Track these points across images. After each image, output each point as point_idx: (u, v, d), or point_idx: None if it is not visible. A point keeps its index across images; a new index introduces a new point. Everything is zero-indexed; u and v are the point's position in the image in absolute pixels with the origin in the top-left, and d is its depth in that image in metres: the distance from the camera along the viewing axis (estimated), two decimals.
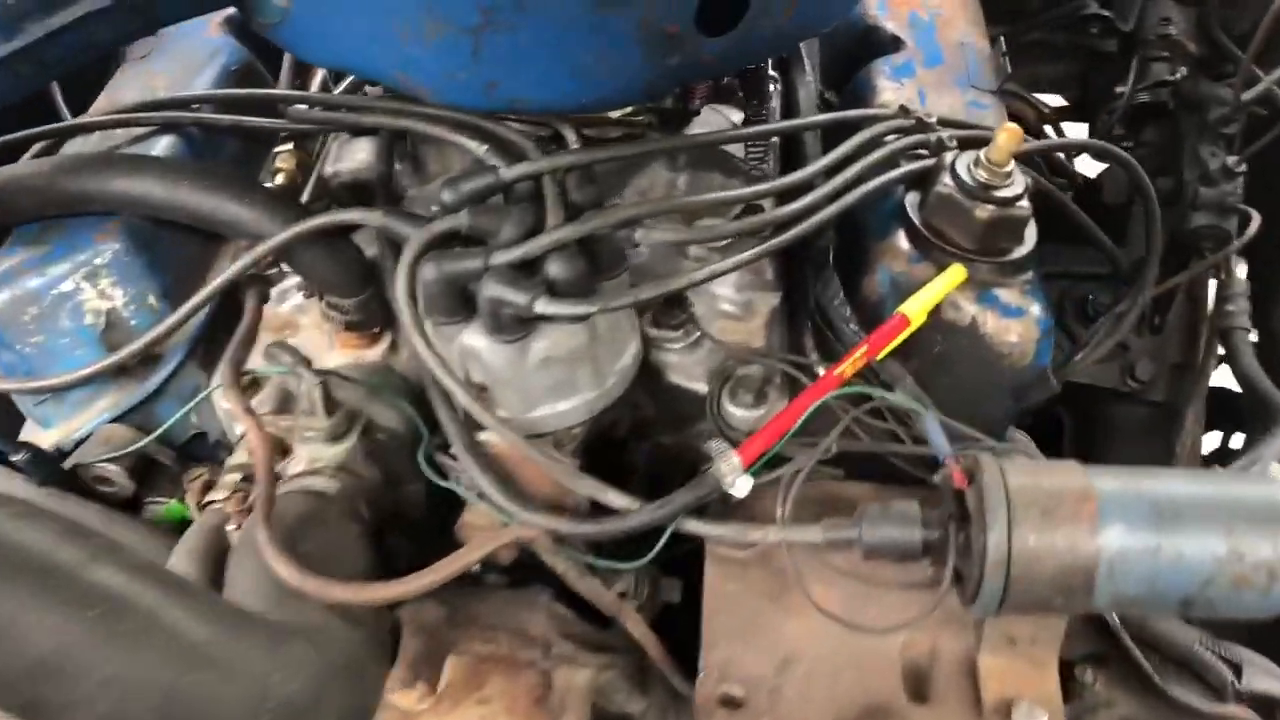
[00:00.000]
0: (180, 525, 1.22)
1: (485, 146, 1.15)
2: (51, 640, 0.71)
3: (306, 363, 1.08)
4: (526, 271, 1.06)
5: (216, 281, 1.17)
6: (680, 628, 1.24)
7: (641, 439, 1.34)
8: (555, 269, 1.05)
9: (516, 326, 1.06)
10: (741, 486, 1.03)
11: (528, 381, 1.10)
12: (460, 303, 1.07)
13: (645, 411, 1.30)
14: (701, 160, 1.35)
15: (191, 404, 1.21)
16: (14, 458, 1.17)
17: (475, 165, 1.15)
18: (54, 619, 0.71)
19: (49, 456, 1.20)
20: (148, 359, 1.24)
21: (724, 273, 1.15)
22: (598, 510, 1.07)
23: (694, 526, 1.04)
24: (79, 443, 1.25)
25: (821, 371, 1.24)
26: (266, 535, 0.96)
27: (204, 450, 1.29)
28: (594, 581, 1.08)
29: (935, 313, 1.17)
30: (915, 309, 1.14)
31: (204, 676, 0.77)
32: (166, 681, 0.75)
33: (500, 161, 1.12)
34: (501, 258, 1.04)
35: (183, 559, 1.09)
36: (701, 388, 1.26)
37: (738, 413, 1.22)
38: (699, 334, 1.28)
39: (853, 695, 1.06)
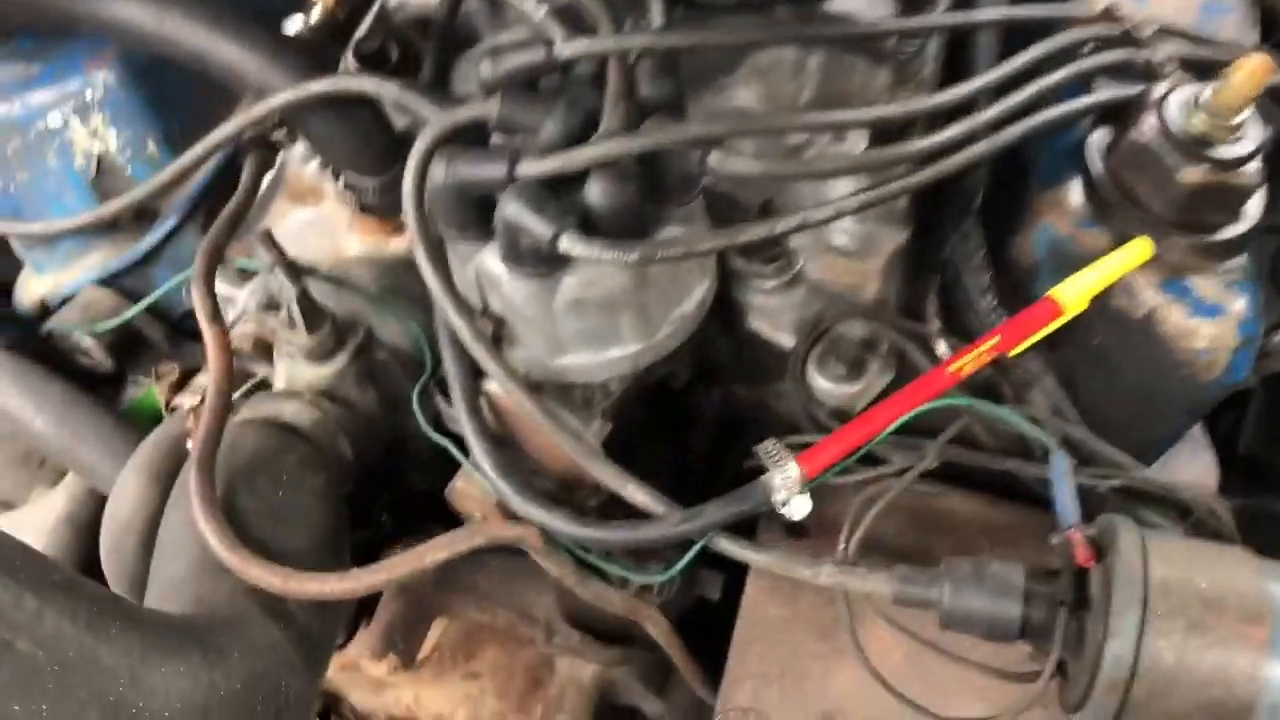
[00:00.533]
0: (154, 418, 1.06)
1: (545, 6, 0.88)
2: None
3: (288, 265, 0.87)
4: (561, 190, 0.81)
5: (218, 132, 0.96)
6: (718, 626, 1.04)
7: (711, 384, 1.10)
8: (596, 194, 0.80)
9: (539, 261, 0.82)
10: (798, 508, 0.80)
11: (555, 324, 0.87)
12: (478, 216, 0.84)
13: (718, 355, 1.06)
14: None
15: (183, 275, 1.02)
16: None
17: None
18: None
19: (15, 317, 1.04)
20: (143, 215, 1.06)
21: (841, 215, 0.87)
22: (615, 503, 0.85)
23: (729, 548, 0.81)
24: (65, 299, 1.09)
25: (943, 349, 0.98)
26: (198, 483, 0.78)
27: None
28: (599, 586, 0.87)
29: (1102, 295, 0.88)
30: (1074, 294, 0.86)
31: (34, 709, 0.60)
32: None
33: (559, 32, 0.86)
34: (530, 169, 0.80)
35: (135, 473, 0.93)
36: (787, 340, 1.01)
37: (825, 385, 0.97)
38: (794, 272, 1.02)
39: None
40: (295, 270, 0.87)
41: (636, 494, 0.83)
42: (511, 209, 0.79)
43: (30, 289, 1.12)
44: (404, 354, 0.97)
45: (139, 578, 0.86)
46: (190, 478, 0.78)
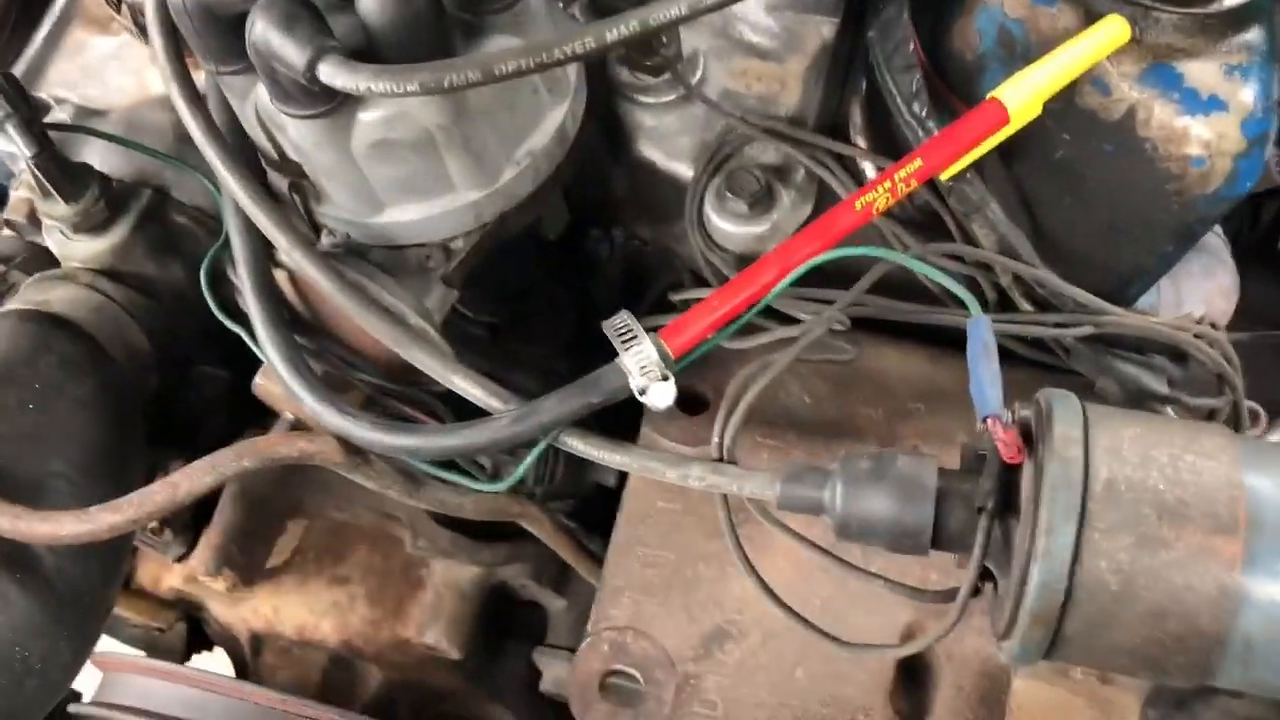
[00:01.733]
0: None
1: None
2: None
3: (23, 117, 0.69)
4: (329, 3, 0.62)
5: None
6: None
7: (608, 224, 0.92)
8: (370, 2, 0.61)
9: (311, 97, 0.64)
10: (659, 396, 0.63)
11: (359, 173, 0.69)
12: (240, 42, 0.65)
13: (613, 189, 0.88)
14: None
15: None
16: None
17: None
18: None
19: None
20: None
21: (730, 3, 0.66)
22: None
23: (578, 446, 0.65)
24: None
25: (870, 171, 0.78)
26: None
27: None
28: (444, 491, 0.72)
29: (1064, 93, 0.68)
30: (1024, 94, 0.66)
31: None
32: None
33: None
34: None
35: None
36: (684, 170, 0.83)
37: (724, 226, 0.79)
38: (693, 82, 0.82)
39: (809, 703, 0.70)
40: (31, 124, 0.69)
41: (466, 385, 0.66)
42: (258, 30, 0.60)
43: None
44: (209, 216, 0.80)
45: None
46: None
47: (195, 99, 0.67)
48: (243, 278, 0.69)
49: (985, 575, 0.60)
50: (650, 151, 0.83)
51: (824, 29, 0.84)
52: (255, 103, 0.69)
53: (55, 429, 0.68)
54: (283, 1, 0.60)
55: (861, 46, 0.78)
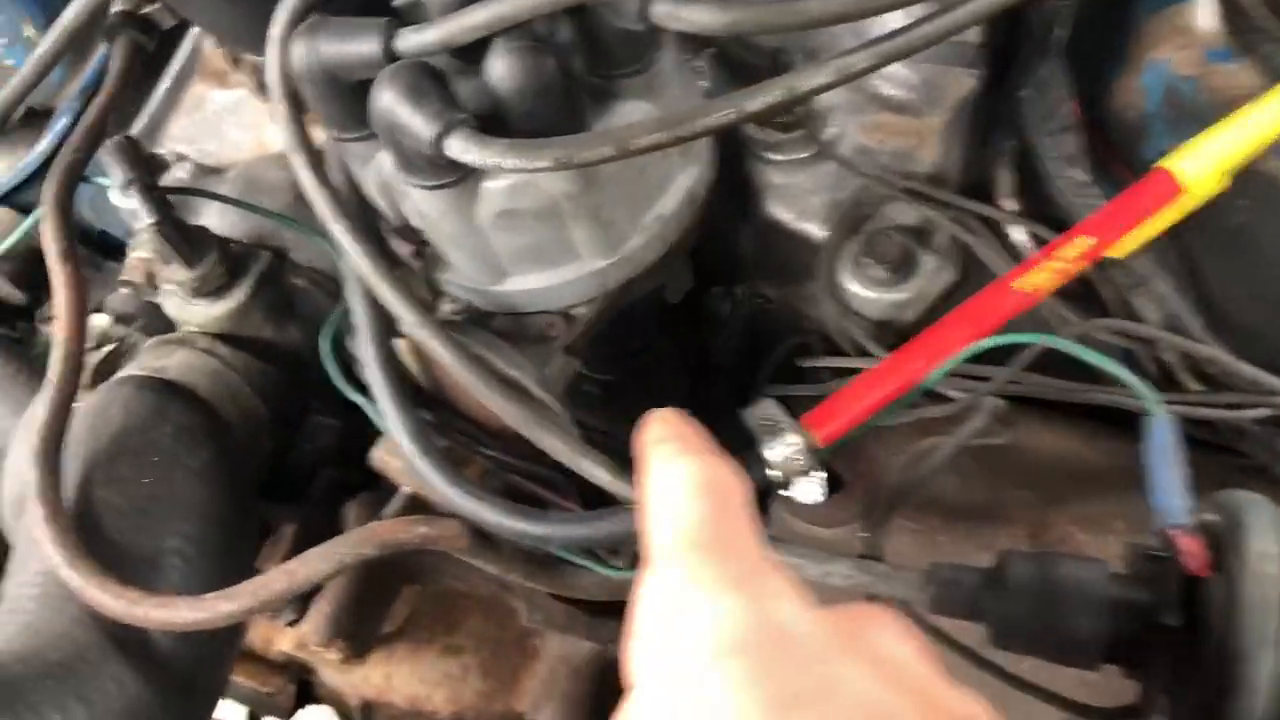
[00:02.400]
0: None
1: None
2: None
3: (143, 183, 0.68)
4: (459, 72, 0.59)
5: (71, 10, 0.77)
6: None
7: (733, 281, 0.88)
8: (499, 71, 0.58)
9: (438, 169, 0.61)
10: (806, 491, 0.59)
11: (485, 241, 0.67)
12: (362, 109, 0.63)
13: (739, 246, 0.84)
14: None
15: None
16: None
17: None
18: None
19: None
20: (34, 117, 0.88)
21: (888, 62, 0.61)
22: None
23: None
24: None
25: (1020, 237, 0.74)
26: (39, 479, 0.61)
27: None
28: (570, 573, 0.69)
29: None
30: (1201, 165, 0.60)
31: None
32: None
33: None
34: (410, 41, 0.58)
35: (22, 443, 0.78)
36: (815, 231, 0.79)
37: (861, 292, 0.75)
38: (824, 141, 0.78)
39: None
40: (153, 189, 0.68)
41: (593, 470, 0.63)
42: (384, 101, 0.58)
43: None
44: (327, 277, 0.78)
45: None
46: (33, 472, 0.62)
47: (317, 165, 0.65)
48: (365, 351, 0.67)
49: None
50: (780, 211, 0.79)
51: (965, 82, 0.79)
52: (378, 169, 0.66)
53: (171, 502, 0.66)
54: (410, 71, 0.57)
55: (1007, 103, 0.73)
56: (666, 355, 0.93)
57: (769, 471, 0.59)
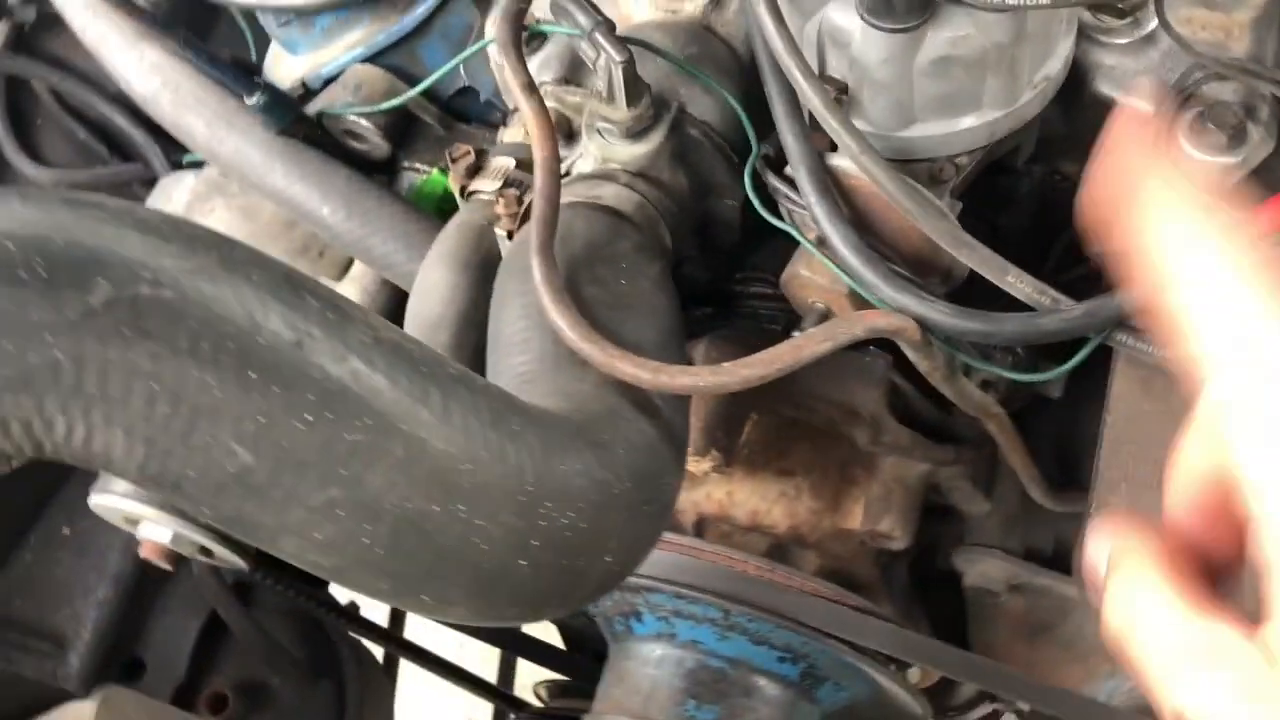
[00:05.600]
0: (441, 202, 1.00)
1: None
2: (254, 451, 0.50)
3: (608, 26, 0.78)
4: None
5: None
6: (1048, 423, 0.97)
7: (1032, 162, 0.99)
8: None
9: (910, 11, 0.71)
10: None
11: (910, 87, 0.77)
12: None
13: (1051, 128, 0.95)
14: None
15: (464, 54, 0.94)
16: (248, 100, 0.94)
17: None
18: (256, 424, 0.50)
19: (288, 100, 0.97)
20: None
21: None
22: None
23: (1130, 343, 0.72)
24: (328, 81, 1.02)
25: None
26: (543, 271, 0.71)
27: (473, 109, 1.04)
28: (963, 382, 0.79)
29: None
30: None
31: (452, 506, 0.55)
32: (403, 510, 0.54)
33: None
34: None
35: (441, 265, 0.87)
36: (1143, 107, 0.89)
37: (1200, 156, 0.85)
38: (1153, 26, 0.88)
39: None
40: (611, 29, 0.78)
41: (1018, 282, 0.74)
42: None
43: (284, 71, 1.05)
44: (715, 130, 0.87)
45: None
46: (534, 264, 0.71)
47: (779, 16, 0.74)
48: (803, 179, 0.77)
49: None
50: (1110, 89, 0.90)
51: None
52: (824, 18, 0.76)
53: (643, 303, 0.76)
54: None
55: None
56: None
57: None
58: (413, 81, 1.00)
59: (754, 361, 0.68)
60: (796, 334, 0.76)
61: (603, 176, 0.83)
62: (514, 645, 1.19)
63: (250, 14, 1.09)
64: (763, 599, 0.85)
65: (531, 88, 0.79)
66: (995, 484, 0.96)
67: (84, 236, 0.48)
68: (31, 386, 0.47)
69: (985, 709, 1.12)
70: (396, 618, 1.62)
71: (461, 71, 0.97)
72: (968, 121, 0.79)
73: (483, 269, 0.86)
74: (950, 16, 0.73)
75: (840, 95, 0.79)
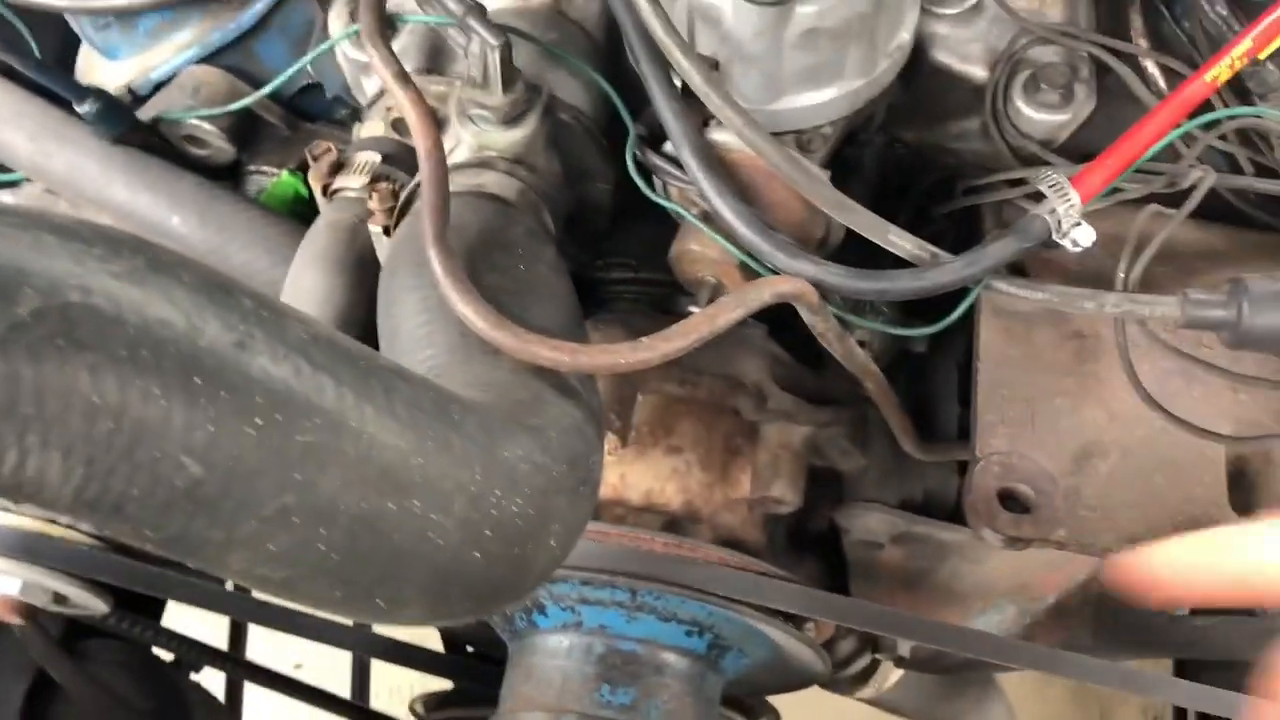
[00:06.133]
0: (293, 204, 0.96)
1: None
2: (204, 462, 0.47)
3: (480, 11, 0.77)
4: None
5: None
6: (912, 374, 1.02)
7: (872, 130, 1.04)
8: None
9: None
10: (1083, 236, 0.75)
11: (780, 60, 0.79)
12: None
13: (890, 97, 0.99)
14: None
15: (316, 51, 0.90)
16: (80, 108, 0.88)
17: None
18: (205, 433, 0.47)
19: (121, 106, 0.91)
20: None
21: None
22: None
23: (1006, 289, 0.77)
24: (158, 86, 0.96)
25: (1152, 69, 0.92)
26: (444, 261, 0.69)
27: (317, 106, 1.00)
28: (850, 342, 0.82)
29: None
30: None
31: (406, 503, 0.53)
32: (358, 511, 0.52)
33: None
34: None
35: (313, 267, 0.84)
36: (979, 72, 0.95)
37: (1034, 115, 0.91)
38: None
39: (1167, 502, 0.83)
40: (483, 14, 0.77)
41: (900, 240, 0.77)
42: None
43: (101, 76, 0.98)
44: (584, 114, 0.87)
45: None
46: (433, 256, 0.69)
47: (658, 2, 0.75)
48: (687, 156, 0.78)
49: None
50: (946, 57, 0.95)
51: None
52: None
53: (542, 287, 0.75)
54: None
55: None
56: None
57: (1059, 225, 0.75)
58: (251, 80, 0.96)
59: (672, 334, 0.69)
60: (694, 308, 0.77)
61: (480, 164, 0.82)
62: (388, 654, 1.16)
63: (47, 17, 1.01)
64: (674, 575, 0.86)
65: (405, 78, 0.77)
66: (868, 437, 1.00)
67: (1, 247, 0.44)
68: None
69: (865, 660, 1.17)
70: (235, 641, 1.55)
71: (309, 68, 0.93)
72: (832, 92, 0.83)
73: (359, 268, 0.84)
74: None
75: (712, 71, 0.80)
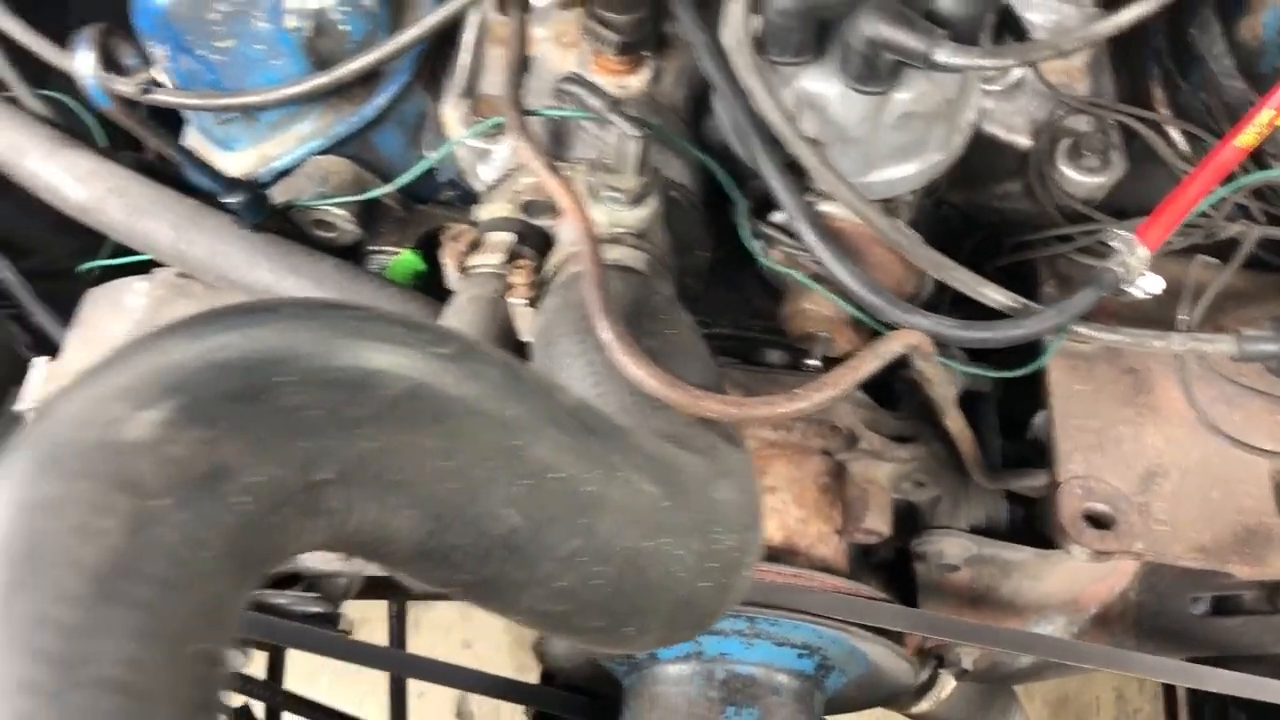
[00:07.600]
0: (413, 280, 1.04)
1: None
2: (517, 515, 0.56)
3: (618, 105, 0.86)
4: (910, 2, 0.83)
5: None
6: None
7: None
8: (951, 3, 0.82)
9: (888, 75, 0.84)
10: (1152, 284, 0.87)
11: (877, 140, 0.90)
12: (814, 38, 0.85)
13: None
14: None
15: (447, 146, 0.99)
16: (227, 199, 0.95)
17: None
18: (519, 489, 0.55)
19: (261, 195, 0.98)
20: (363, 75, 1.00)
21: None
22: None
23: (1086, 332, 0.88)
24: (281, 173, 1.04)
25: (1176, 136, 1.05)
26: (615, 330, 0.77)
27: (426, 189, 1.08)
28: (951, 386, 0.93)
29: None
30: None
31: (659, 543, 0.62)
32: (627, 549, 0.61)
33: None
34: None
35: None
36: (1022, 141, 1.07)
37: (1078, 177, 1.04)
38: (1022, 75, 1.07)
39: (1225, 514, 0.95)
40: (622, 108, 0.86)
41: (995, 294, 0.88)
42: (874, 26, 0.81)
43: (226, 166, 1.06)
44: (690, 190, 0.97)
45: None
46: (602, 326, 0.78)
47: (769, 84, 0.85)
48: (801, 225, 0.88)
49: None
50: (994, 128, 1.07)
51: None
52: (800, 86, 0.88)
53: (688, 347, 0.84)
54: (894, 2, 0.81)
55: (1165, 39, 1.05)
56: None
57: (1128, 274, 0.87)
58: (368, 166, 1.04)
59: (822, 385, 0.78)
60: (811, 361, 0.87)
61: (611, 240, 0.91)
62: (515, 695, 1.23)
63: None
64: (793, 602, 0.95)
65: (554, 168, 0.86)
66: (939, 469, 1.10)
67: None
68: (349, 478, 0.50)
69: (929, 669, 1.27)
70: (274, 671, 1.60)
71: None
72: (917, 165, 0.94)
73: (500, 337, 0.92)
74: (912, 78, 0.87)
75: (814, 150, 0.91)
